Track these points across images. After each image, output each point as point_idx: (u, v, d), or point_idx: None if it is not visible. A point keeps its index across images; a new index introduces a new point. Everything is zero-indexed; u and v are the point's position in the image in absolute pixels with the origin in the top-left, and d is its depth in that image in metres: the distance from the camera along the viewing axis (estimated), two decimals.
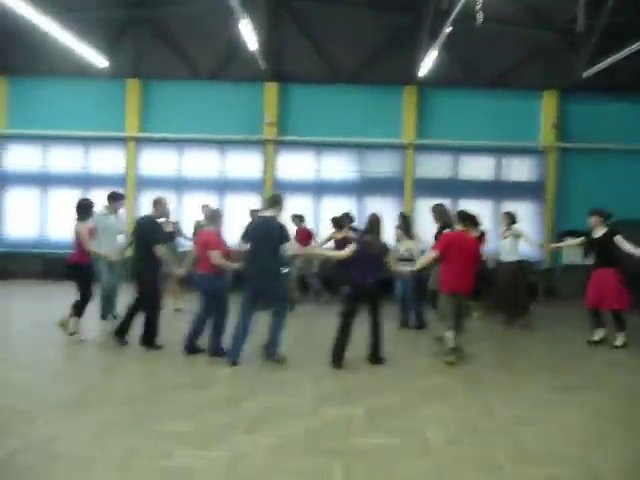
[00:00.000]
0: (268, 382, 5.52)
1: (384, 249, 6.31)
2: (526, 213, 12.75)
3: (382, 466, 3.70)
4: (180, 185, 12.96)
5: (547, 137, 12.66)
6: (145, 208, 12.21)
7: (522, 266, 8.79)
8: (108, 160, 13.09)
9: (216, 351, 6.31)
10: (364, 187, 12.83)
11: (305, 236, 9.87)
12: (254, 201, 12.36)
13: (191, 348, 6.40)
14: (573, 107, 12.70)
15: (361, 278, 6.13)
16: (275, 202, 6.28)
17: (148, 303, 6.62)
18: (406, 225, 8.47)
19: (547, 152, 12.73)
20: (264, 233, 6.07)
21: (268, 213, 6.24)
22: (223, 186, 12.95)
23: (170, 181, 12.94)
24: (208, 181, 12.97)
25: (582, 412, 4.86)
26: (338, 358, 6.05)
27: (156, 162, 13.02)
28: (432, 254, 6.52)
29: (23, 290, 11.50)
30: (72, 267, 6.93)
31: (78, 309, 6.88)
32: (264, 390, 5.24)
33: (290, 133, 12.76)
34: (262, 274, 6.03)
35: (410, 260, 7.69)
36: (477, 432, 4.32)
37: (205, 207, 9.38)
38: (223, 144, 12.88)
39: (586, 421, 4.65)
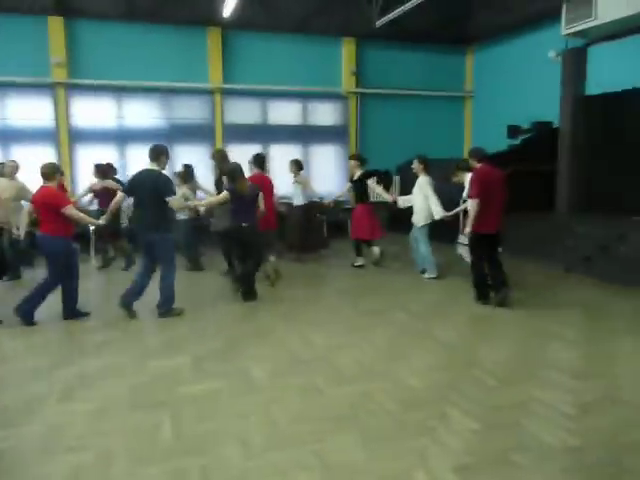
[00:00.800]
0: (87, 346, 5.17)
1: (255, 195, 6.76)
2: (333, 156, 13.53)
3: (211, 409, 3.76)
4: None
5: (348, 83, 13.34)
6: None
7: (310, 207, 9.46)
8: None
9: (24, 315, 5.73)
10: (172, 134, 12.27)
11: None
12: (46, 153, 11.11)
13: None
14: (369, 55, 13.52)
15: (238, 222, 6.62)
16: (158, 154, 5.95)
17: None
18: (185, 173, 8.84)
19: (348, 98, 13.46)
20: (148, 186, 5.83)
21: (151, 166, 5.92)
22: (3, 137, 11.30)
23: None
24: None
25: (387, 331, 5.47)
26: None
27: None
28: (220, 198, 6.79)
29: None
30: None
31: None
32: (83, 355, 4.90)
33: (84, 76, 11.51)
34: (146, 228, 5.94)
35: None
36: (298, 363, 4.62)
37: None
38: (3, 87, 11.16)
39: (391, 338, 5.26)
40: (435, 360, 4.68)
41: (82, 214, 6.04)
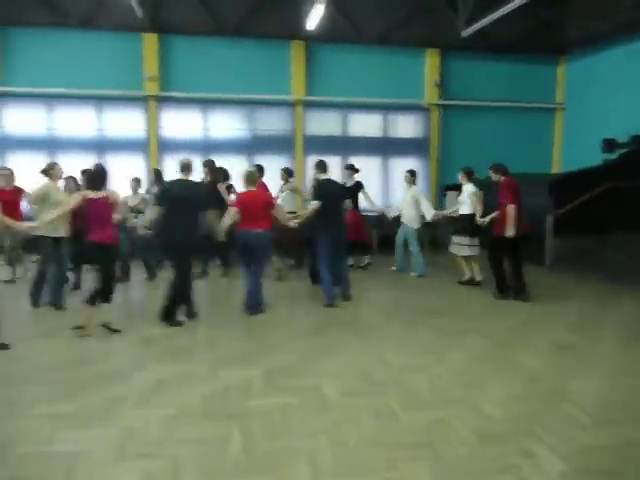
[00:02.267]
0: (162, 351, 5.29)
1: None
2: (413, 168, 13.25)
3: (281, 425, 3.69)
4: (51, 145, 11.84)
5: (430, 95, 13.08)
6: None
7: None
8: None
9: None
10: (254, 145, 12.54)
11: None
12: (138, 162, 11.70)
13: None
14: (453, 65, 13.20)
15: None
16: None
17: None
18: (138, 182, 8.85)
19: (431, 109, 13.19)
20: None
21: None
22: (101, 146, 12.00)
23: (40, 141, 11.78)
24: (84, 140, 11.96)
25: (463, 354, 5.19)
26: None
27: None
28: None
29: None
30: None
31: None
32: (158, 360, 5.02)
33: (173, 89, 12.04)
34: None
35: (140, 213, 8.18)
36: (372, 383, 4.46)
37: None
38: (100, 100, 11.89)
39: (468, 362, 4.97)
40: (516, 389, 4.36)
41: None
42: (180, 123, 12.24)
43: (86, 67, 11.61)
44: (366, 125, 13.02)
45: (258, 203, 6.44)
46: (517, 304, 7.16)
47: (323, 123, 12.82)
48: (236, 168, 10.24)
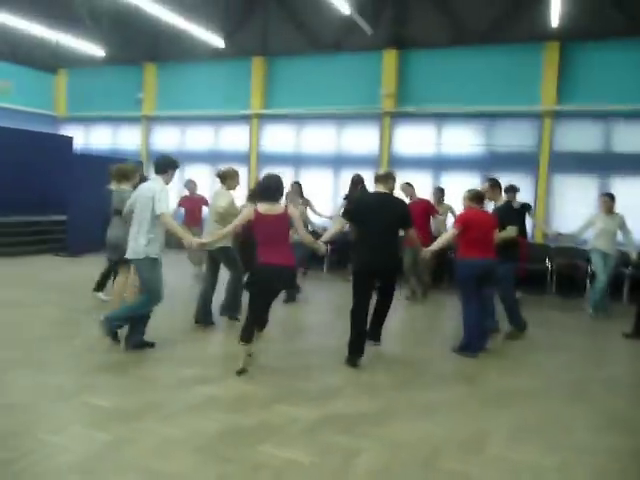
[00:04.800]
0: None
1: None
2: None
3: None
4: (298, 161, 12.87)
5: None
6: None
7: None
8: (234, 137, 13.56)
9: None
10: (491, 161, 11.31)
11: None
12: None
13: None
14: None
15: None
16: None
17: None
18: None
19: None
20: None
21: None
22: (339, 162, 12.50)
23: (289, 157, 12.94)
24: (324, 157, 12.66)
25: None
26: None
27: (277, 138, 13.13)
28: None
29: None
30: None
31: None
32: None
33: (409, 104, 11.78)
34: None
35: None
36: None
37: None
38: (341, 119, 12.44)
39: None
40: None
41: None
42: (412, 138, 11.88)
43: (329, 87, 12.30)
44: (634, 138, 10.41)
45: (488, 225, 5.66)
46: None
47: (578, 136, 10.77)
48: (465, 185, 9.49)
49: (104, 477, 3.00)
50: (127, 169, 6.43)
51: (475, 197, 5.70)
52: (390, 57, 11.77)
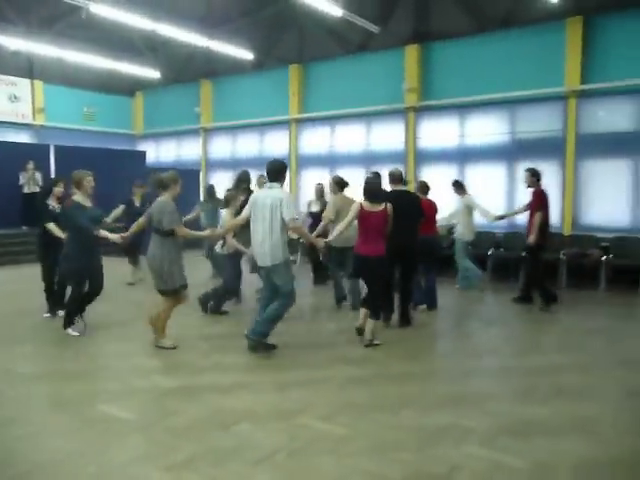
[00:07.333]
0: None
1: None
2: None
3: None
4: (331, 161, 13.33)
5: None
6: (304, 186, 13.28)
7: None
8: (276, 142, 14.39)
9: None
10: (516, 150, 10.92)
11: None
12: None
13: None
14: None
15: None
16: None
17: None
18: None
19: None
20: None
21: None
22: (368, 160, 12.76)
23: (323, 158, 13.45)
24: (355, 155, 13.00)
25: None
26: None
27: (313, 140, 13.73)
28: None
29: None
30: None
31: None
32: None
33: (432, 97, 11.75)
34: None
35: None
36: None
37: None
38: (369, 117, 12.71)
39: None
40: None
41: None
42: (436, 132, 11.82)
43: (357, 88, 12.65)
44: None
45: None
46: None
47: (603, 118, 10.05)
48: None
49: None
50: (166, 178, 5.40)
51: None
52: (412, 52, 11.82)
